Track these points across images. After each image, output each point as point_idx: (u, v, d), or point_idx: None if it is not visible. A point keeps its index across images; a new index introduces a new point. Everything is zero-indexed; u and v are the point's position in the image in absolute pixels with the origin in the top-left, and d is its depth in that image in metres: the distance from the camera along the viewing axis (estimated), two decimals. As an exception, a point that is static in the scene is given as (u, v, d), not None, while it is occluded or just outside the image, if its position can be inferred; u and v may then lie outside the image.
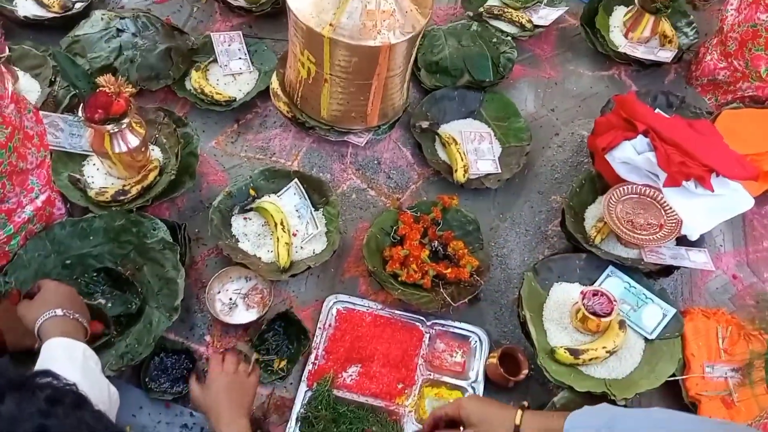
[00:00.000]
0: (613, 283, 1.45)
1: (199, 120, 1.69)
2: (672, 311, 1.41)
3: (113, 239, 1.41)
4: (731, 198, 1.48)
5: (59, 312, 1.07)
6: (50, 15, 1.77)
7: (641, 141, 1.46)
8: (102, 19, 1.71)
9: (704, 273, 1.60)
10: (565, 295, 1.44)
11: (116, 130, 1.39)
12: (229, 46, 1.79)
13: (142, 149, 1.48)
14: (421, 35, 1.45)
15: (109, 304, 1.36)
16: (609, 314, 1.33)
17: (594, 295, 1.36)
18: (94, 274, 1.38)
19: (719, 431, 0.92)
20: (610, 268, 1.46)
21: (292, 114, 1.63)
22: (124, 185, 1.47)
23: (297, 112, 1.60)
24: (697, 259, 1.47)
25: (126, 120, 1.39)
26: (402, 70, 1.51)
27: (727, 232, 1.68)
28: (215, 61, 1.77)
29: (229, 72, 1.76)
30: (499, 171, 1.66)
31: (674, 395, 1.38)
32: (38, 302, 1.10)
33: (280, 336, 1.40)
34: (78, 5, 1.81)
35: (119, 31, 1.69)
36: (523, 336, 1.41)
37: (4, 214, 1.26)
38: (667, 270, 1.51)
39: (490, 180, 1.64)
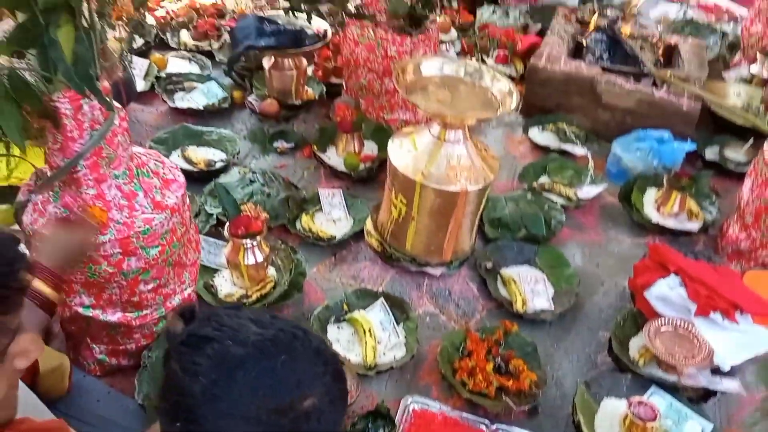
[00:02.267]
0: (656, 400, 1.65)
1: (305, 251, 2.07)
2: (710, 426, 1.58)
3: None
4: (757, 336, 1.71)
5: None
6: (197, 169, 2.30)
7: (673, 279, 1.76)
8: (239, 173, 2.22)
9: (740, 406, 1.77)
10: (613, 408, 1.64)
11: (250, 245, 1.79)
12: (332, 199, 2.25)
13: (264, 265, 1.86)
14: (488, 188, 1.86)
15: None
16: (653, 419, 1.53)
17: (639, 403, 1.56)
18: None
19: None
20: (653, 387, 1.67)
21: (381, 248, 2.01)
22: (246, 291, 1.83)
23: (386, 246, 1.99)
24: (730, 385, 1.67)
25: (259, 237, 1.79)
26: (472, 215, 1.91)
27: (758, 373, 1.87)
28: (320, 209, 2.22)
29: (330, 218, 2.19)
30: (553, 308, 1.95)
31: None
32: None
33: (369, 427, 1.61)
34: (218, 164, 2.34)
35: (251, 181, 2.19)
36: (578, 442, 1.60)
37: (162, 296, 1.61)
38: (705, 397, 1.71)
39: (546, 314, 1.93)
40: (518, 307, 1.91)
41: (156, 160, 1.58)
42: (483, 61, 2.99)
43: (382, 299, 1.86)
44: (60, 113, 1.29)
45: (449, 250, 1.94)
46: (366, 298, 1.89)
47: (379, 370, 1.68)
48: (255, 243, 1.80)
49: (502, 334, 1.83)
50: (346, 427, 1.45)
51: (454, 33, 2.93)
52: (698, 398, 1.70)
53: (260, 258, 1.83)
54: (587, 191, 2.37)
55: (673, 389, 1.67)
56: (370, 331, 1.77)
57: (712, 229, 2.32)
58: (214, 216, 2.07)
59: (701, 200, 2.38)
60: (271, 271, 1.94)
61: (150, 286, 1.55)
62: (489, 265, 2.04)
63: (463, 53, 3.03)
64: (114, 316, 1.55)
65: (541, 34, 3.15)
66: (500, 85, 1.81)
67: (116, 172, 1.43)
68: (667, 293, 1.75)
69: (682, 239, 2.29)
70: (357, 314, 1.84)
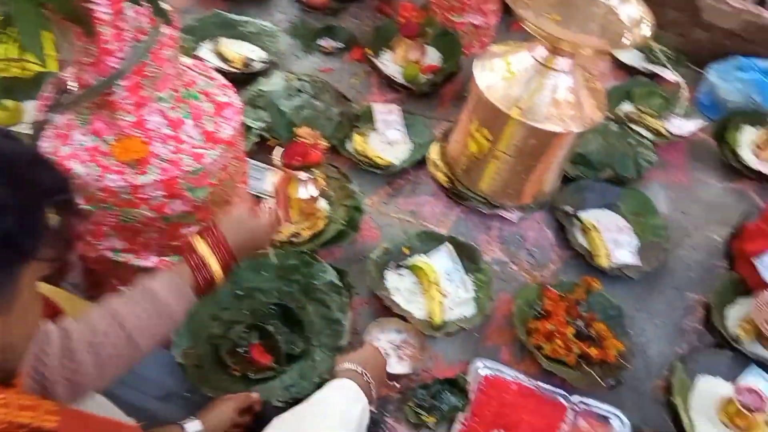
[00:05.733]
0: (755, 381, 1.47)
1: (355, 179, 1.81)
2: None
3: (282, 276, 1.50)
4: None
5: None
6: (232, 70, 1.97)
7: (794, 250, 1.53)
8: (284, 79, 1.89)
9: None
10: (710, 388, 1.47)
11: (305, 177, 1.53)
12: (387, 116, 1.95)
13: (318, 198, 1.60)
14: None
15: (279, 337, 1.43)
16: (762, 409, 1.36)
17: (748, 391, 1.39)
18: (272, 308, 1.46)
19: None
20: (752, 366, 1.50)
21: (449, 184, 1.75)
22: (297, 229, 1.59)
23: (456, 183, 1.72)
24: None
25: (318, 170, 1.52)
26: (565, 157, 1.63)
27: None
28: (374, 128, 1.92)
29: (386, 140, 1.90)
30: (639, 264, 1.72)
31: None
32: None
33: (439, 397, 1.44)
34: (257, 65, 2.01)
35: (299, 91, 1.87)
36: (663, 422, 1.44)
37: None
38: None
39: (631, 270, 1.71)
40: (602, 262, 1.69)
41: (206, 76, 1.28)
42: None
43: (448, 244, 1.63)
44: (95, 18, 0.98)
45: (529, 193, 1.69)
46: (430, 241, 1.65)
47: (449, 331, 1.48)
48: (313, 175, 1.53)
49: (584, 292, 1.62)
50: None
51: None
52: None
53: (315, 192, 1.57)
54: (680, 126, 2.07)
55: (777, 372, 1.49)
56: (437, 284, 1.55)
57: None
58: (254, 131, 1.77)
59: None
60: (323, 203, 1.69)
61: (193, 229, 1.30)
62: (569, 209, 1.79)
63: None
64: (149, 261, 1.31)
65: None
66: (629, 10, 1.46)
67: (160, 94, 1.14)
68: (782, 265, 1.52)
69: (782, 190, 2.04)
70: (420, 261, 1.61)
